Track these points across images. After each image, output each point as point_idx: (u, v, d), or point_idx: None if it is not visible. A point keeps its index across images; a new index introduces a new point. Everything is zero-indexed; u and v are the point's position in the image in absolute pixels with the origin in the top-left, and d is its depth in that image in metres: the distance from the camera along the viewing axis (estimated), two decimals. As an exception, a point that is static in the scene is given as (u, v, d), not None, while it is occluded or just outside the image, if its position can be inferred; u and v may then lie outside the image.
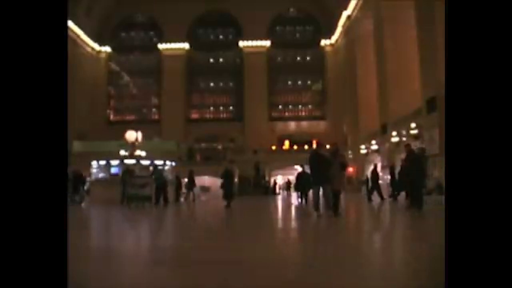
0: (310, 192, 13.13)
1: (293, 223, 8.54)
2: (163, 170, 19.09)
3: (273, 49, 48.87)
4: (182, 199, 21.36)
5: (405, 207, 11.04)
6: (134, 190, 15.32)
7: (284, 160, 39.85)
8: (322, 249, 4.75)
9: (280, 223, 8.61)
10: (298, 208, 13.67)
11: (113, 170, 20.78)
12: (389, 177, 17.99)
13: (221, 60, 50.33)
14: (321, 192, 8.89)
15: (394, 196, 15.76)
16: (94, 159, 21.29)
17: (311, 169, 9.13)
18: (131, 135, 21.11)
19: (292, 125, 48.49)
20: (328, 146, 15.10)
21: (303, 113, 49.14)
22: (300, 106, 49.38)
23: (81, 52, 44.51)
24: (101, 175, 21.22)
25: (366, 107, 34.69)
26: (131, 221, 9.32)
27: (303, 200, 16.02)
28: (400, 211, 10.78)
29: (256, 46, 48.30)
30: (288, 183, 34.07)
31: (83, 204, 17.43)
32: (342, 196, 9.67)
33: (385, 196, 16.34)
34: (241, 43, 48.48)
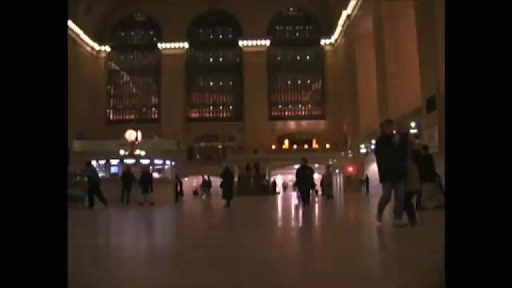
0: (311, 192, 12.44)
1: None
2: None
3: (273, 48, 48.86)
4: (182, 199, 21.30)
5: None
6: None
7: (284, 160, 39.85)
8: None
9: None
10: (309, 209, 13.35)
11: (113, 170, 20.83)
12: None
13: (221, 59, 50.33)
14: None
15: None
16: (94, 159, 21.28)
17: (378, 158, 6.66)
18: (131, 135, 21.11)
19: (292, 124, 48.49)
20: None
21: (303, 112, 49.13)
22: (300, 105, 49.38)
23: (81, 51, 44.51)
24: (100, 174, 21.17)
25: (366, 106, 34.72)
26: None
27: (304, 201, 14.10)
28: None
29: (256, 46, 48.27)
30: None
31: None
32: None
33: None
34: (241, 43, 48.44)
